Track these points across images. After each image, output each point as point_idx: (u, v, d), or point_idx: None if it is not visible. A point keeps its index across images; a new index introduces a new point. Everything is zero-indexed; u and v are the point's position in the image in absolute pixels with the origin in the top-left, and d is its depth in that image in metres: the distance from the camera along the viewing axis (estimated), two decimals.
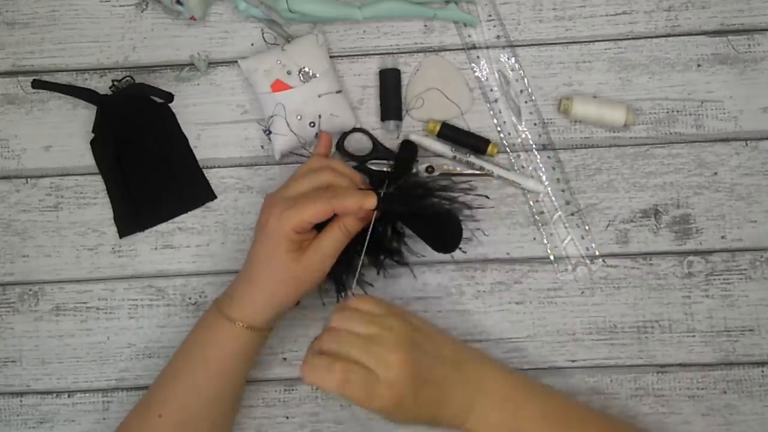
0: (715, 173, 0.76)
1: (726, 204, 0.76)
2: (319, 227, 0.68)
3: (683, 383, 0.75)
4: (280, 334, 0.76)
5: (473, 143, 0.76)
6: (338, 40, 0.79)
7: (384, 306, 0.64)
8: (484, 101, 0.78)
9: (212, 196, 0.78)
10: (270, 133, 0.76)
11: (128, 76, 0.79)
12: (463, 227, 0.72)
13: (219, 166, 0.78)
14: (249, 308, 0.67)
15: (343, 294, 0.73)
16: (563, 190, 0.77)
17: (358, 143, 0.77)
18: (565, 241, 0.76)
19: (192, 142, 0.78)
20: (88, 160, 0.78)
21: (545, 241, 0.76)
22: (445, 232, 0.71)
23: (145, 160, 0.78)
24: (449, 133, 0.76)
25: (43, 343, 0.77)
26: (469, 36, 0.78)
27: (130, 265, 0.78)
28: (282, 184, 0.70)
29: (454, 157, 0.76)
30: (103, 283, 0.78)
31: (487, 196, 0.75)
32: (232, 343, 0.68)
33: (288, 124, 0.75)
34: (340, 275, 0.72)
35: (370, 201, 0.66)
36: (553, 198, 0.77)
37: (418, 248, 0.75)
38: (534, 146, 0.77)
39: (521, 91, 0.78)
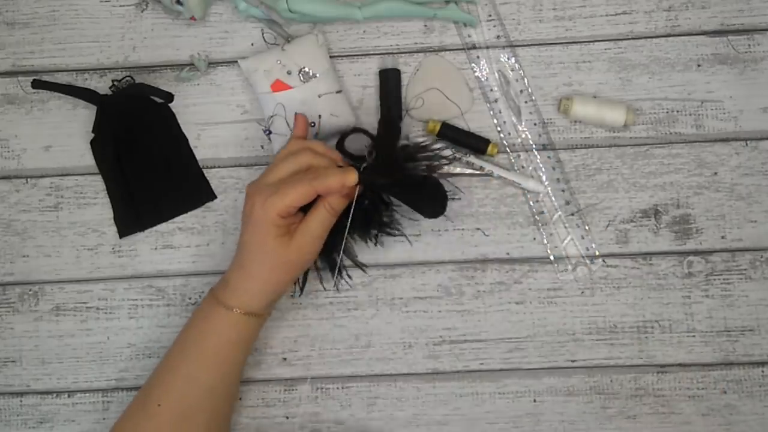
0: (715, 173, 0.76)
1: (726, 204, 0.76)
2: (305, 209, 0.68)
3: (683, 383, 0.75)
4: (280, 334, 0.76)
5: (473, 143, 0.76)
6: (338, 40, 0.79)
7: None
8: (484, 101, 0.78)
9: (212, 196, 0.78)
10: (270, 133, 0.76)
11: (128, 76, 0.79)
12: (446, 189, 0.72)
13: (219, 166, 0.78)
14: (245, 295, 0.68)
15: (339, 277, 0.74)
16: (563, 190, 0.77)
17: (358, 143, 0.77)
18: (565, 241, 0.76)
19: (192, 142, 0.78)
20: (88, 160, 0.78)
21: (545, 241, 0.76)
22: (430, 197, 0.71)
23: (145, 160, 0.78)
24: (449, 133, 0.76)
25: (43, 343, 0.77)
26: (469, 36, 0.78)
27: (130, 265, 0.78)
28: (263, 171, 0.70)
29: (454, 157, 0.76)
30: (103, 283, 0.78)
31: (454, 157, 0.75)
32: (230, 331, 0.68)
33: (288, 124, 0.75)
34: (332, 254, 0.73)
35: (351, 177, 0.66)
36: (553, 198, 0.77)
37: (409, 221, 0.75)
38: (534, 146, 0.77)
39: (521, 91, 0.78)
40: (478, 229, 0.76)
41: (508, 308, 0.76)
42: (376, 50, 0.79)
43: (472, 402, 0.75)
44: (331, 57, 0.78)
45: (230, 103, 0.79)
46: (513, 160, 0.77)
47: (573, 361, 0.76)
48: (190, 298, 0.77)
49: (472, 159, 0.76)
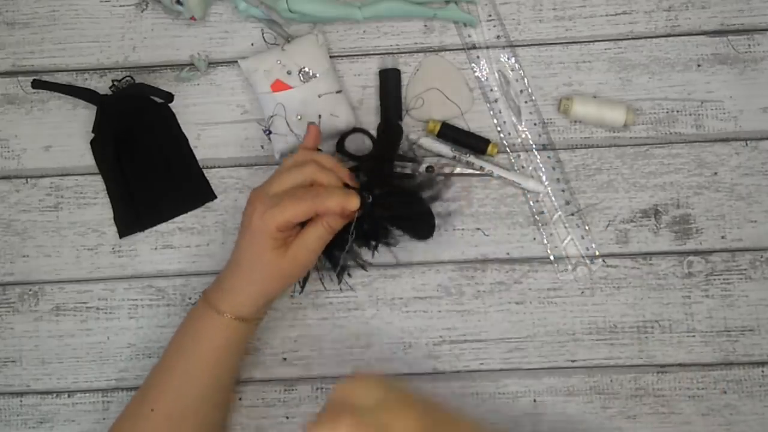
0: (715, 173, 0.76)
1: (726, 204, 0.76)
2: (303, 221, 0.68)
3: (683, 383, 0.75)
4: (280, 334, 0.76)
5: (473, 143, 0.76)
6: (338, 40, 0.79)
7: (395, 392, 0.56)
8: (484, 101, 0.78)
9: (212, 196, 0.78)
10: (270, 133, 0.76)
11: (128, 76, 0.79)
12: (436, 218, 0.73)
13: (219, 166, 0.78)
14: (238, 300, 0.68)
15: (341, 275, 0.75)
16: (563, 190, 0.77)
17: (358, 143, 0.77)
18: (565, 241, 0.76)
19: (192, 142, 0.78)
20: (88, 160, 0.78)
21: (545, 241, 0.76)
22: (422, 226, 0.73)
23: (145, 160, 0.78)
24: (449, 133, 0.76)
25: (43, 343, 0.77)
26: (469, 36, 0.78)
27: (130, 265, 0.78)
28: (268, 178, 0.70)
29: (454, 157, 0.76)
30: (103, 283, 0.78)
31: (445, 172, 0.75)
32: (222, 335, 0.68)
33: (288, 124, 0.75)
34: (334, 253, 0.73)
35: (353, 203, 0.66)
36: (553, 198, 0.77)
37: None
38: (534, 146, 0.77)
39: (521, 91, 0.78)
40: (478, 229, 0.76)
41: (508, 308, 0.76)
42: (376, 50, 0.79)
43: (472, 402, 0.75)
44: (331, 57, 0.78)
45: (230, 103, 0.79)
46: (513, 160, 0.77)
47: (573, 361, 0.75)
48: (190, 298, 0.77)
49: (472, 159, 0.76)
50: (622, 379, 0.75)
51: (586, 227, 0.76)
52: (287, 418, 0.76)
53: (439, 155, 0.76)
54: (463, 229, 0.77)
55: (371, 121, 0.78)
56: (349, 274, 0.76)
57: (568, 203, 0.77)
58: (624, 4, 0.78)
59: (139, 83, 0.78)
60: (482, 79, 0.78)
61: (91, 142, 0.78)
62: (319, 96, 0.75)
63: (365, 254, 0.76)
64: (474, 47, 0.78)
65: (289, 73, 0.75)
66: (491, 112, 0.78)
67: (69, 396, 0.77)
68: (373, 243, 0.74)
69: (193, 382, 0.68)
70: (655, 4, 0.78)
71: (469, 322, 0.76)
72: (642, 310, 0.76)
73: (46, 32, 0.80)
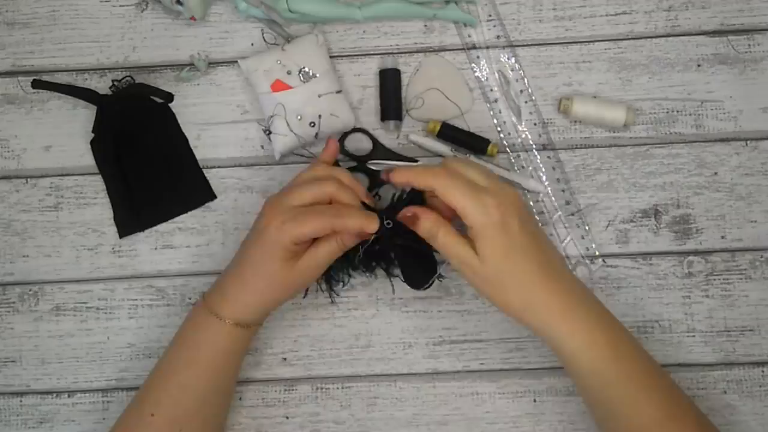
0: (715, 173, 0.76)
1: (726, 204, 0.76)
2: None
3: (683, 383, 0.75)
4: (280, 334, 0.76)
5: (473, 143, 0.76)
6: (338, 40, 0.79)
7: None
8: (484, 101, 0.78)
9: (212, 196, 0.78)
10: (270, 133, 0.76)
11: (128, 76, 0.79)
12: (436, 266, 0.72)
13: (219, 166, 0.78)
14: (239, 307, 0.68)
15: (341, 284, 0.75)
16: (563, 190, 0.77)
17: (358, 143, 0.77)
18: (565, 241, 0.76)
19: (192, 142, 0.78)
20: (88, 160, 0.78)
21: None
22: (422, 272, 0.71)
23: (145, 160, 0.78)
24: (449, 133, 0.76)
25: (43, 343, 0.77)
26: (469, 36, 0.78)
27: (130, 265, 0.78)
28: (284, 187, 0.70)
29: (454, 157, 0.76)
30: (103, 283, 0.78)
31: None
32: (222, 340, 0.68)
33: (288, 124, 0.75)
34: (330, 273, 0.74)
35: (372, 226, 0.66)
36: (553, 198, 0.77)
37: None
38: (534, 146, 0.77)
39: (521, 91, 0.78)
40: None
41: None
42: (376, 50, 0.79)
43: (472, 402, 0.75)
44: (331, 57, 0.78)
45: (230, 103, 0.79)
46: (513, 160, 0.77)
47: None
48: (190, 298, 0.77)
49: (472, 159, 0.76)
50: None
51: (586, 227, 0.76)
52: (287, 418, 0.76)
53: (439, 155, 0.76)
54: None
55: (371, 121, 0.78)
56: (350, 275, 0.75)
57: (568, 203, 0.77)
58: (624, 4, 0.78)
59: (139, 83, 0.78)
60: (482, 79, 0.78)
61: (91, 142, 0.78)
62: (319, 96, 0.75)
63: (360, 276, 0.76)
64: (474, 47, 0.78)
65: (289, 73, 0.75)
66: (491, 112, 0.78)
67: (69, 396, 0.77)
68: (374, 264, 0.73)
69: (194, 387, 0.68)
70: (655, 4, 0.78)
71: (469, 322, 0.76)
72: (642, 310, 0.76)
73: (46, 32, 0.80)
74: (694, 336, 0.75)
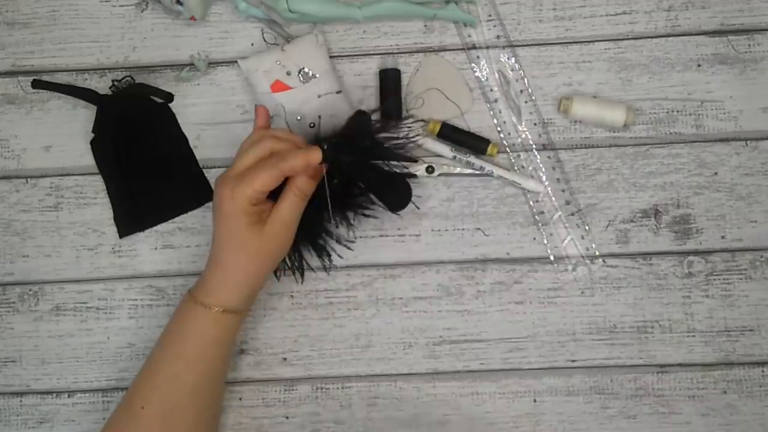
0: (715, 173, 0.76)
1: (726, 204, 0.76)
2: (275, 197, 0.68)
3: (683, 383, 0.75)
4: (280, 334, 0.76)
5: (473, 143, 0.76)
6: (338, 40, 0.79)
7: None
8: (484, 101, 0.78)
9: (212, 197, 0.78)
10: None
11: (128, 76, 0.79)
12: (410, 185, 0.73)
13: (219, 166, 0.78)
14: (222, 291, 0.68)
15: (327, 259, 0.74)
16: (563, 190, 0.77)
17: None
18: (565, 241, 0.76)
19: (192, 142, 0.78)
20: (88, 160, 0.78)
21: (545, 241, 0.76)
22: (396, 189, 0.72)
23: (145, 160, 0.78)
24: (449, 133, 0.76)
25: (43, 343, 0.77)
26: (469, 36, 0.78)
27: (130, 265, 0.78)
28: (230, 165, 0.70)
29: (454, 157, 0.76)
30: (103, 283, 0.78)
31: (415, 159, 0.74)
32: (209, 329, 0.68)
33: (288, 125, 0.75)
34: (316, 239, 0.73)
35: (315, 155, 0.66)
36: (553, 198, 0.77)
37: (408, 221, 0.75)
38: (534, 146, 0.77)
39: (521, 91, 0.78)
40: (478, 229, 0.76)
41: (508, 308, 0.76)
42: (376, 50, 0.79)
43: (472, 402, 0.75)
44: (331, 57, 0.78)
45: (230, 103, 0.79)
46: (513, 160, 0.77)
47: (573, 361, 0.75)
48: (189, 289, 0.77)
49: (472, 159, 0.76)
50: (622, 379, 0.75)
51: (586, 227, 0.76)
52: (287, 418, 0.76)
53: (439, 155, 0.76)
54: (463, 229, 0.77)
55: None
56: (340, 256, 0.75)
57: (568, 203, 0.77)
58: (624, 4, 0.78)
59: (139, 83, 0.78)
60: (482, 79, 0.78)
61: (91, 142, 0.78)
62: (319, 96, 0.75)
63: (364, 249, 0.76)
64: (474, 47, 0.78)
65: (288, 73, 0.75)
66: (491, 112, 0.78)
67: (69, 396, 0.77)
68: (350, 214, 0.73)
69: (183, 379, 0.68)
70: (655, 4, 0.78)
71: (469, 322, 0.76)
72: (642, 310, 0.76)
73: (46, 32, 0.80)
74: (694, 336, 0.75)
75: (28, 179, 0.79)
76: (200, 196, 0.78)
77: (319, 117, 0.75)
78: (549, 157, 0.77)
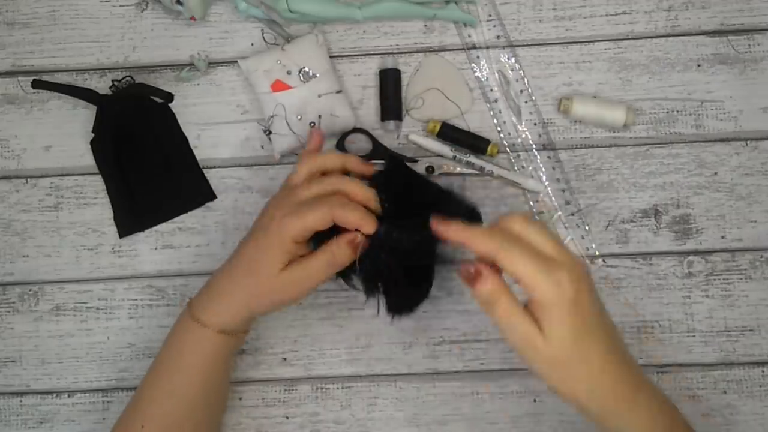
0: (715, 173, 0.76)
1: (726, 204, 0.76)
2: (318, 243, 0.65)
3: (683, 383, 0.75)
4: (280, 334, 0.76)
5: (473, 143, 0.76)
6: (338, 40, 0.79)
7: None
8: (484, 101, 0.78)
9: (212, 196, 0.78)
10: (270, 133, 0.76)
11: (128, 76, 0.79)
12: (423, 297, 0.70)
13: (219, 166, 0.78)
14: (222, 314, 0.67)
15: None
16: (563, 190, 0.77)
17: (358, 143, 0.77)
18: (565, 241, 0.76)
19: (192, 142, 0.78)
20: (88, 160, 0.78)
21: None
22: (405, 301, 0.69)
23: (145, 160, 0.78)
24: (449, 133, 0.76)
25: (43, 343, 0.77)
26: (469, 36, 0.78)
27: (130, 265, 0.78)
28: (284, 184, 0.69)
29: (454, 157, 0.76)
30: (103, 283, 0.78)
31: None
32: (207, 347, 0.67)
33: (288, 124, 0.75)
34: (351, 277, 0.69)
35: (369, 226, 0.63)
36: (553, 198, 0.77)
37: None
38: (534, 146, 0.77)
39: (521, 91, 0.78)
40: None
41: None
42: (376, 50, 0.79)
43: (472, 402, 0.75)
44: (331, 57, 0.78)
45: (230, 103, 0.79)
46: (513, 160, 0.77)
47: None
48: (190, 299, 0.77)
49: (472, 159, 0.76)
50: None
51: (586, 227, 0.76)
52: (287, 418, 0.76)
53: (439, 155, 0.76)
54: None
55: (371, 121, 0.78)
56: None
57: (568, 203, 0.77)
58: (624, 4, 0.78)
59: (139, 83, 0.78)
60: (482, 79, 0.78)
61: (91, 142, 0.78)
62: (319, 96, 0.75)
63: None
64: (474, 47, 0.78)
65: (289, 73, 0.75)
66: (491, 112, 0.78)
67: (69, 396, 0.77)
68: (377, 286, 0.68)
69: (182, 394, 0.67)
70: (655, 4, 0.78)
71: (469, 322, 0.76)
72: (642, 310, 0.76)
73: (46, 32, 0.80)
74: (694, 336, 0.75)
75: (28, 179, 0.79)
76: (200, 196, 0.78)
77: (319, 116, 0.75)
78: (549, 157, 0.77)
